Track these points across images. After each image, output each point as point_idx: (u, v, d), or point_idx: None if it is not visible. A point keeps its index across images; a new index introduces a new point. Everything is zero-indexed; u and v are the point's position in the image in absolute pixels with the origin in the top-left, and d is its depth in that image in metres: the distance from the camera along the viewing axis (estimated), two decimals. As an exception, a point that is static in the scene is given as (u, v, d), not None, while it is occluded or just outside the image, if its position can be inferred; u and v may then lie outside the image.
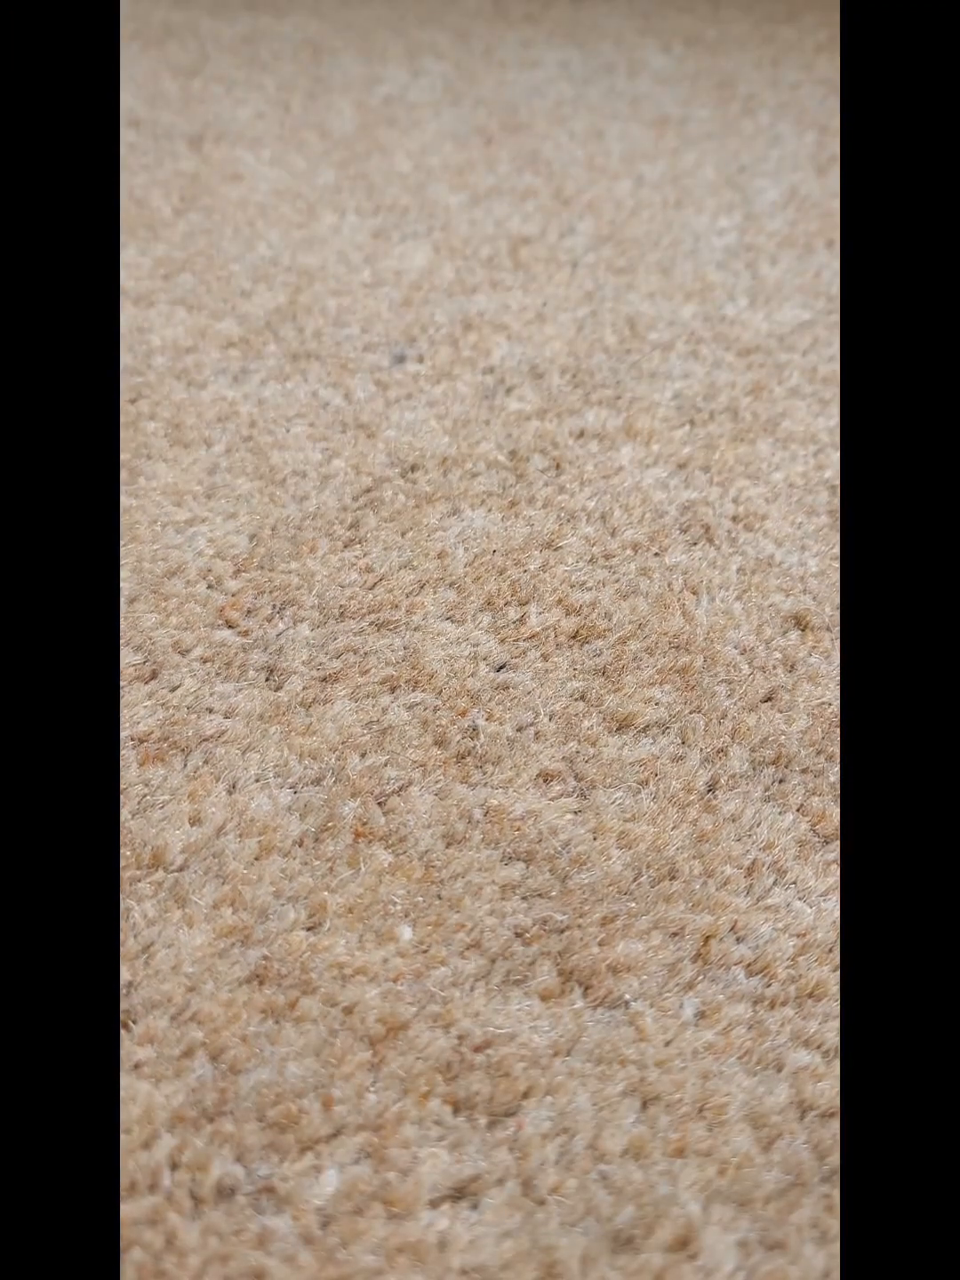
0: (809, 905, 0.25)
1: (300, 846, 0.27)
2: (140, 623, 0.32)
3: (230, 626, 0.32)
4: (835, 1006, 0.24)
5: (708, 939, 0.25)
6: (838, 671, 0.25)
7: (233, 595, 0.33)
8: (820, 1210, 0.21)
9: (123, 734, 0.28)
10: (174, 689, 0.30)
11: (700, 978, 0.24)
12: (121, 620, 0.31)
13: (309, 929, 0.25)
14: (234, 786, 0.28)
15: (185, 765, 0.28)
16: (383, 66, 0.67)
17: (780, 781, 0.28)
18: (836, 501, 0.36)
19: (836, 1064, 0.23)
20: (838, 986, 0.24)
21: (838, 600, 0.26)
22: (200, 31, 0.70)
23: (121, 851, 0.26)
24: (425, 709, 0.30)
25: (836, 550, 0.34)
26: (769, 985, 0.24)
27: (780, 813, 0.27)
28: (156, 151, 0.57)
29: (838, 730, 0.29)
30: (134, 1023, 0.23)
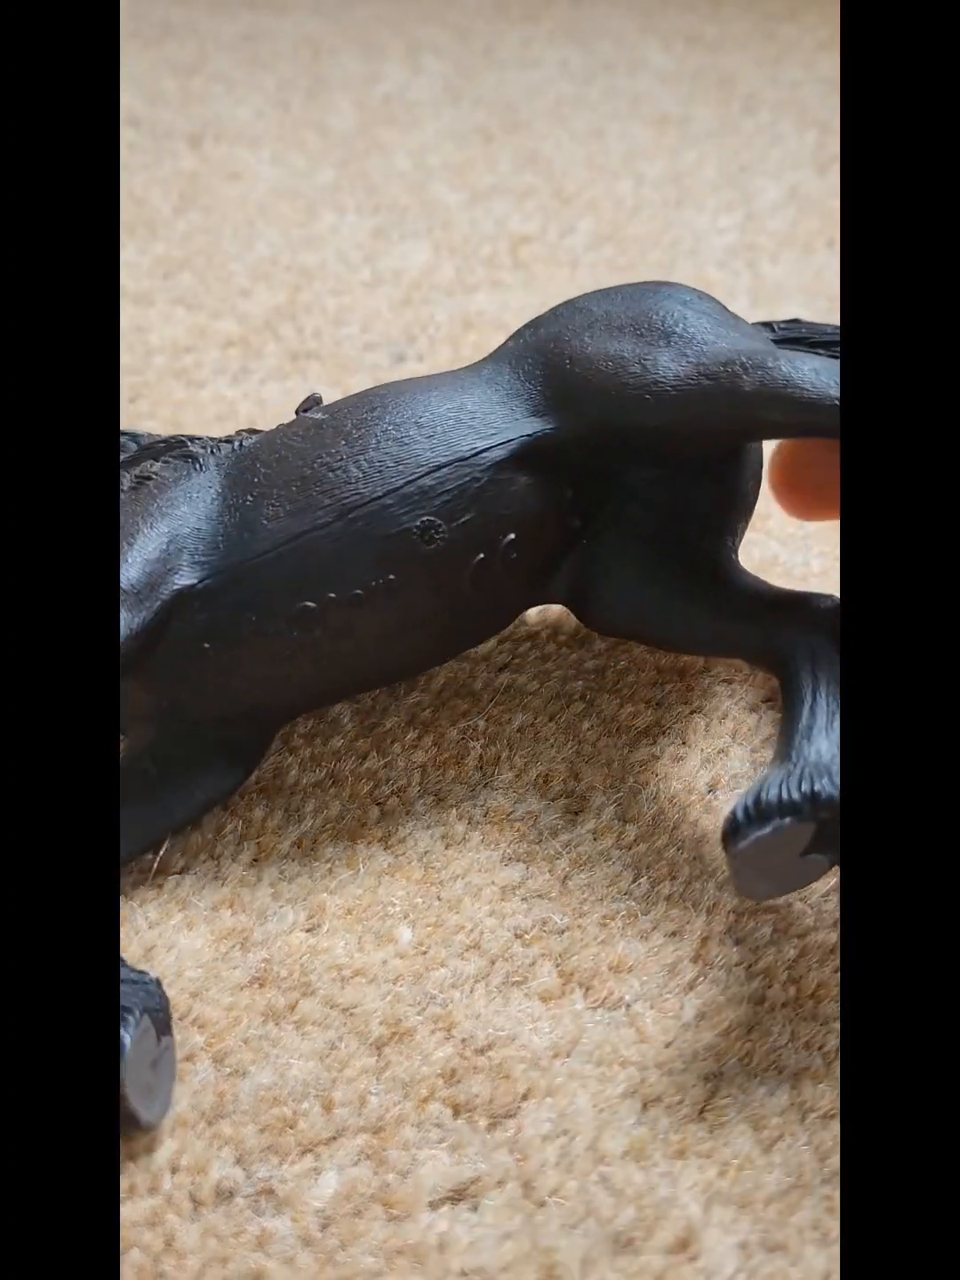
0: (809, 907, 0.25)
1: (298, 849, 0.27)
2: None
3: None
4: (836, 1008, 0.23)
5: (706, 940, 0.25)
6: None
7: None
8: (821, 1212, 0.21)
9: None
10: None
11: (701, 979, 0.24)
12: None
13: (308, 931, 0.25)
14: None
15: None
16: (382, 65, 0.67)
17: (781, 782, 0.28)
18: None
19: (837, 1066, 0.23)
20: (838, 988, 0.24)
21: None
22: (199, 30, 0.70)
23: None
24: (424, 709, 0.30)
25: (838, 549, 0.34)
26: (770, 987, 0.24)
27: (781, 814, 0.27)
28: (155, 150, 0.57)
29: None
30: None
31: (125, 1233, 0.20)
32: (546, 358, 0.25)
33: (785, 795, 0.21)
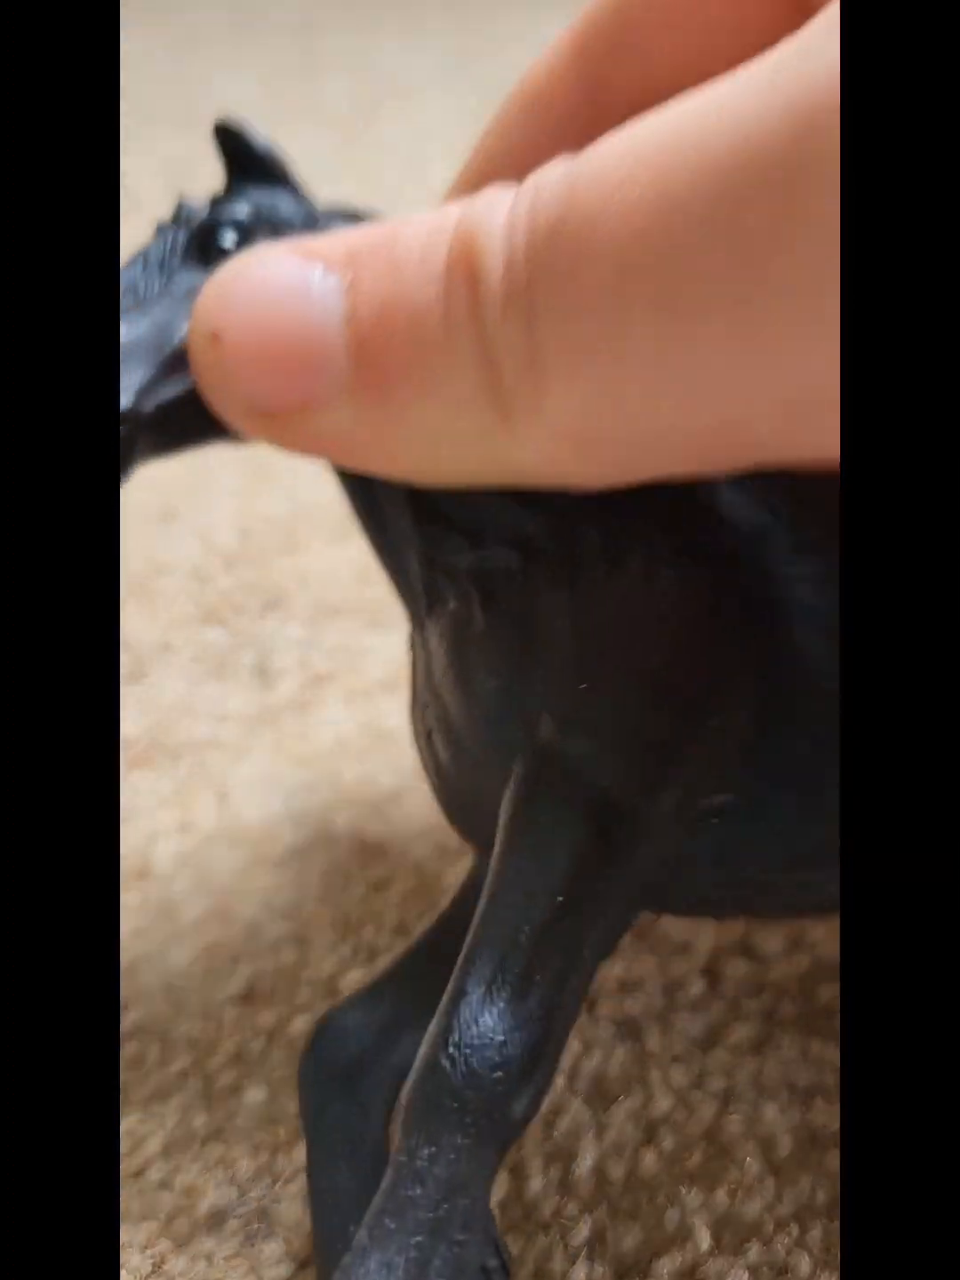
0: (818, 921, 0.25)
1: (296, 856, 0.26)
2: (127, 621, 0.31)
3: (220, 624, 0.31)
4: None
5: (716, 954, 0.24)
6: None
7: (222, 593, 0.32)
8: (834, 1235, 0.20)
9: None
10: (162, 690, 0.30)
11: (710, 994, 0.23)
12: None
13: (300, 942, 0.24)
14: (224, 793, 0.27)
15: (175, 770, 0.28)
16: (379, 43, 0.65)
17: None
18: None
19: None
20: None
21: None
22: (192, 7, 0.69)
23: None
24: (421, 711, 0.29)
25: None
26: (780, 1002, 0.23)
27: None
28: (145, 133, 0.56)
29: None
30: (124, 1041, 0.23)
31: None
32: None
33: None
